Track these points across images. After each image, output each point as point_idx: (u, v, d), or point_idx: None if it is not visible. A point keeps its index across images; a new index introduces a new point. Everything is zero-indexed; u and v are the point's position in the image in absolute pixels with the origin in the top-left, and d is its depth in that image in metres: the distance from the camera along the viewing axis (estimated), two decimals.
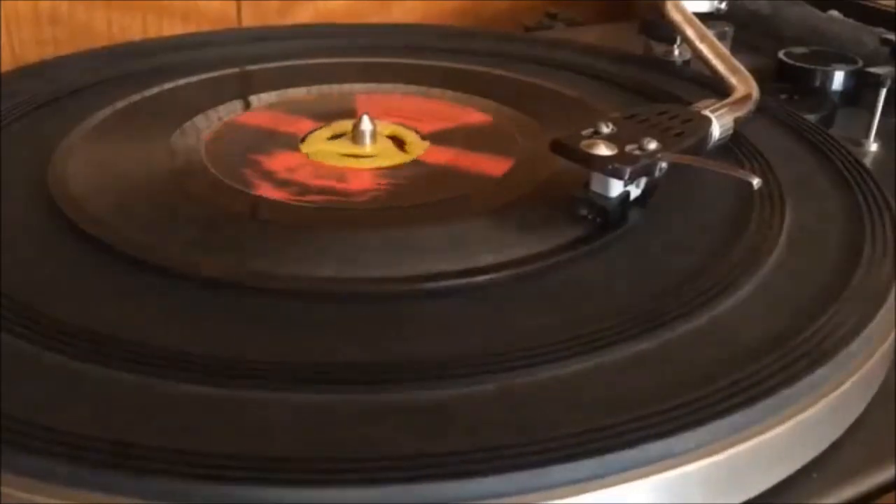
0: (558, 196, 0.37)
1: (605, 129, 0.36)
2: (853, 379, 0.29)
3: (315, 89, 0.50)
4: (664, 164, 0.36)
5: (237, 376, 0.27)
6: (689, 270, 0.33)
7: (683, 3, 0.51)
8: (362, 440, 0.25)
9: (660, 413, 0.26)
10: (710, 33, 0.49)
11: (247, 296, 0.31)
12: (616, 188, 0.36)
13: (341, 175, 0.40)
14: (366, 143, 0.42)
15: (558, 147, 0.36)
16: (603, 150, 0.35)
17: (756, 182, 0.34)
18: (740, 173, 0.35)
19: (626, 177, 0.35)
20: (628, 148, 0.35)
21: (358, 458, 0.24)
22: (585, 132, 0.36)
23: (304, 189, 0.39)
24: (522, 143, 0.43)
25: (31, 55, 0.64)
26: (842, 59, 0.56)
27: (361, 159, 0.42)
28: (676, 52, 0.59)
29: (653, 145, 0.36)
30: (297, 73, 0.51)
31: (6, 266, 0.32)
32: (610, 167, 0.35)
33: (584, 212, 0.36)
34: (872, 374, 0.31)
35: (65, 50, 0.58)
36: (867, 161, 0.48)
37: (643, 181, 0.37)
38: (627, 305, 0.31)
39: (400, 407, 0.26)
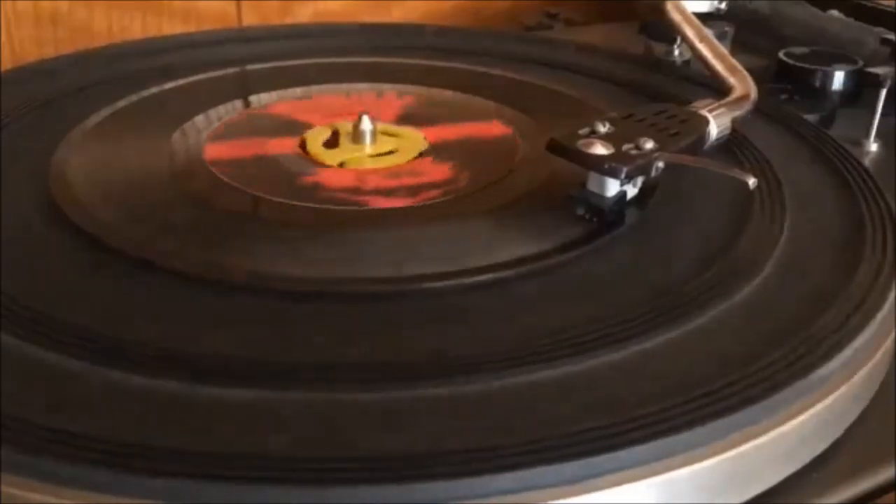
0: (556, 196, 0.37)
1: (602, 129, 0.36)
2: (853, 379, 0.29)
3: (314, 89, 0.50)
4: (661, 164, 0.36)
5: (236, 376, 0.27)
6: (687, 270, 0.33)
7: (683, 3, 0.51)
8: (362, 439, 0.25)
9: (659, 413, 0.26)
10: (709, 33, 0.49)
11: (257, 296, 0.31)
12: (613, 188, 0.36)
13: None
14: (366, 142, 0.42)
15: (555, 146, 0.36)
16: (599, 149, 0.35)
17: (752, 182, 0.34)
18: (737, 173, 0.35)
19: (623, 176, 0.35)
20: (625, 147, 0.35)
21: (352, 458, 0.24)
22: (582, 131, 0.36)
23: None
24: (521, 142, 0.43)
25: (31, 55, 0.64)
26: (842, 59, 0.56)
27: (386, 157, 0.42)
28: (676, 52, 0.59)
29: (649, 145, 0.36)
30: (297, 73, 0.51)
31: (6, 266, 0.32)
32: (606, 166, 0.35)
33: (580, 211, 0.36)
34: (872, 374, 0.31)
35: (65, 50, 0.58)
36: (867, 161, 0.48)
37: (640, 181, 0.37)
38: (624, 306, 0.31)
39: (395, 406, 0.26)
